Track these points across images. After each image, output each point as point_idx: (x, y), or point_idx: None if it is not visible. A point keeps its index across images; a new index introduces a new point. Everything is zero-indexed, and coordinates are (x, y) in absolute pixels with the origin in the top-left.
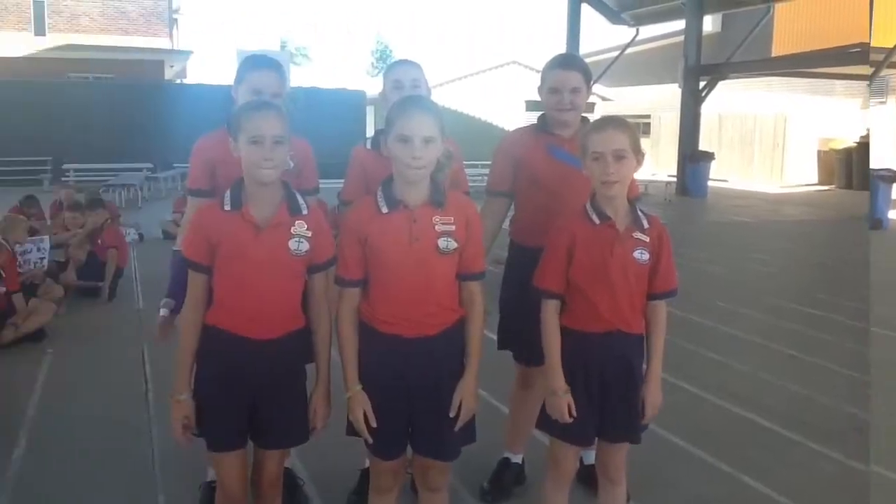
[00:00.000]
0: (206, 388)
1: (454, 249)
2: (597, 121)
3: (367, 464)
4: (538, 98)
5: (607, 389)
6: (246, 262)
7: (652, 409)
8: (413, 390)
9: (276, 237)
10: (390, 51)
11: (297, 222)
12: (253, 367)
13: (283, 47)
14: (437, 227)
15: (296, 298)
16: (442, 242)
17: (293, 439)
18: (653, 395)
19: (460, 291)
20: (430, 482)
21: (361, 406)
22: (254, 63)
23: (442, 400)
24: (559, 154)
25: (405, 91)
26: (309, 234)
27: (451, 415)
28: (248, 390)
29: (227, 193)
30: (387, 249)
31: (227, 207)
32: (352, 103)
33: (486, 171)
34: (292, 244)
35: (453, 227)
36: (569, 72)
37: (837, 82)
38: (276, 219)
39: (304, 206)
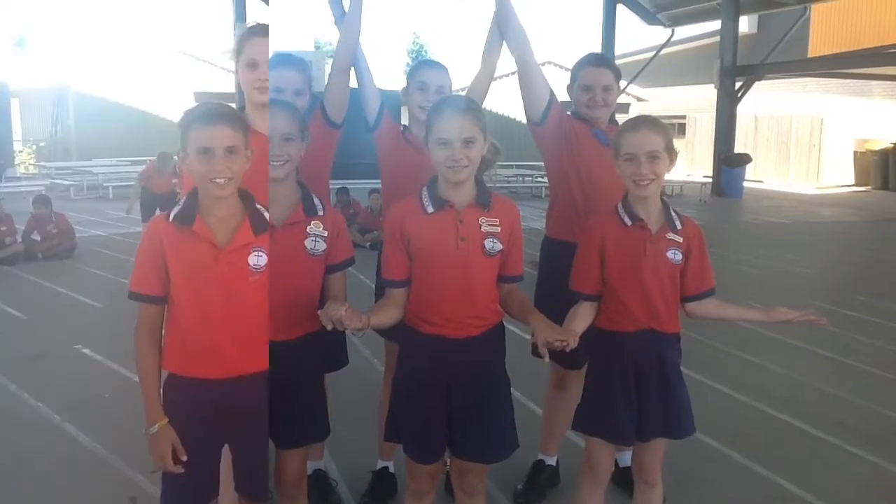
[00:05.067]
0: None
1: (499, 251)
2: (630, 121)
3: (379, 465)
4: (568, 98)
5: (643, 387)
6: None
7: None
8: (454, 392)
9: (292, 236)
10: (425, 50)
11: (313, 222)
12: (272, 369)
13: (317, 47)
14: (483, 228)
15: (314, 300)
16: (488, 243)
17: (311, 436)
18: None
19: (500, 292)
20: (467, 486)
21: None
22: (274, 61)
23: (482, 402)
24: (603, 138)
25: (430, 94)
26: (325, 233)
27: (542, 353)
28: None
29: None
30: (433, 250)
31: None
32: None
33: (521, 171)
34: (308, 243)
35: (499, 229)
36: (601, 69)
37: (874, 83)
38: (292, 218)
39: (321, 207)
